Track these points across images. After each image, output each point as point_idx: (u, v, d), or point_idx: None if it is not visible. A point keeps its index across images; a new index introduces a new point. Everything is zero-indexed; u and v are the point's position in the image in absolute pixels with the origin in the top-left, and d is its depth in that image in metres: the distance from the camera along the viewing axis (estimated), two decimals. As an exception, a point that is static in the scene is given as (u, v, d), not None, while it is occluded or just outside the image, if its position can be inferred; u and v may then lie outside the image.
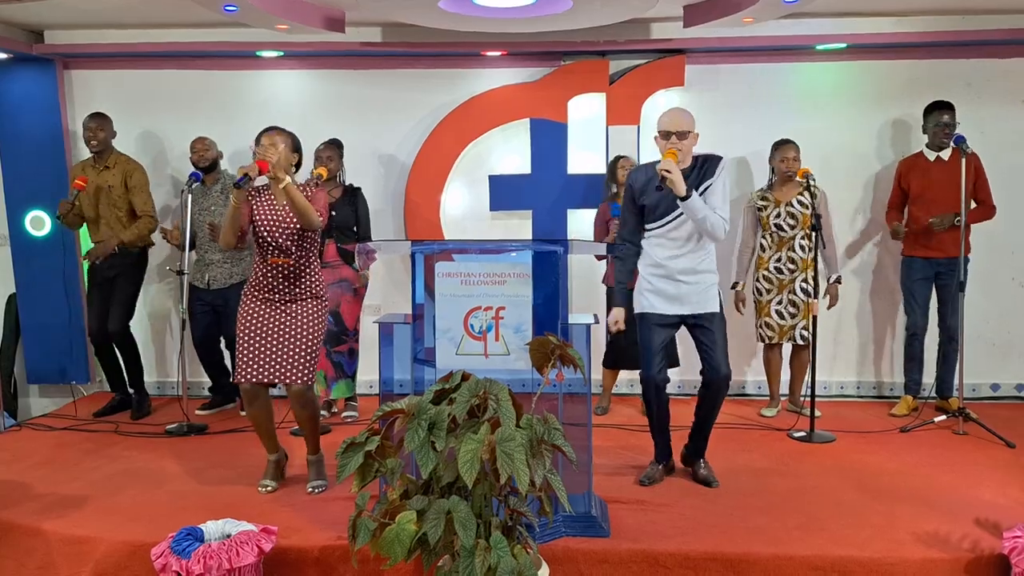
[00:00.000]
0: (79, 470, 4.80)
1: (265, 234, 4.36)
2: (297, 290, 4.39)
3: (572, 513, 3.56)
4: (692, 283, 4.40)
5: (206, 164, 5.83)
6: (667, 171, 4.15)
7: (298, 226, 4.32)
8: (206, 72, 6.50)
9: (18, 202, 6.47)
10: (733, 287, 5.82)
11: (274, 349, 4.34)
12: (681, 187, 4.18)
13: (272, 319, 4.37)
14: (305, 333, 4.35)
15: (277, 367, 4.32)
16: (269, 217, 4.36)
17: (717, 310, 4.42)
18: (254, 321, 4.38)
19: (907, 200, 5.88)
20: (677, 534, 3.78)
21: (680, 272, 4.39)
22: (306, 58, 6.44)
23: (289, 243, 4.34)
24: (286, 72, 6.54)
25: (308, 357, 4.35)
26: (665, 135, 4.33)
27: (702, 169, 4.36)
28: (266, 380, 4.34)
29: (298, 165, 4.51)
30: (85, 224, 6.01)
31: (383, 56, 6.40)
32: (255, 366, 4.34)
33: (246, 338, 4.36)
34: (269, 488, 4.47)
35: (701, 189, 4.29)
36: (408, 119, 6.49)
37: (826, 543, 3.69)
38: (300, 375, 4.32)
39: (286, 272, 4.35)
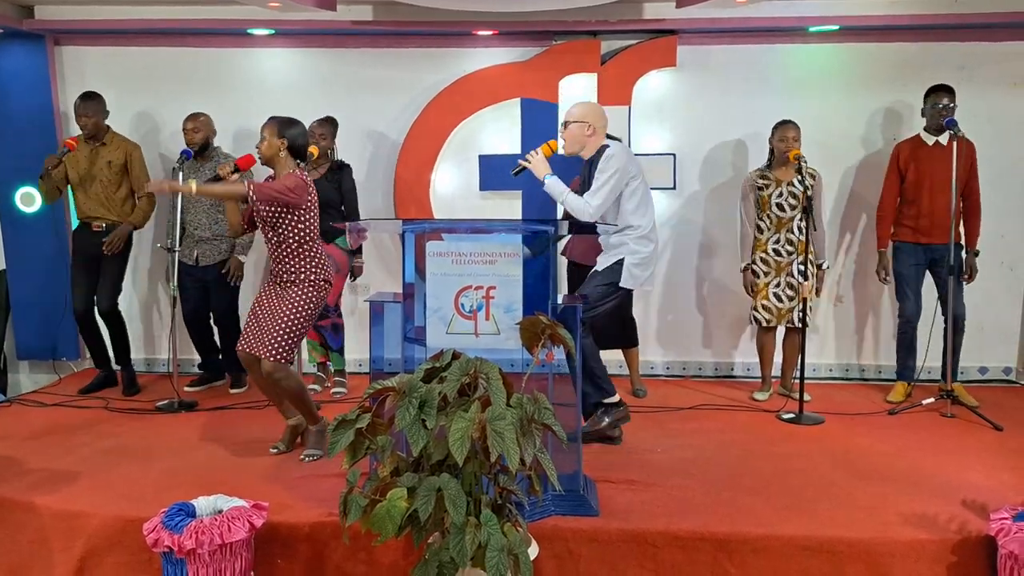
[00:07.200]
0: (70, 446, 4.81)
1: (255, 219, 4.56)
2: (284, 273, 4.52)
3: (561, 492, 3.56)
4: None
5: (195, 148, 5.75)
6: (525, 161, 4.81)
7: (266, 212, 4.41)
8: (197, 50, 6.46)
9: (8, 178, 6.43)
10: (744, 270, 5.79)
11: (258, 323, 4.51)
12: (539, 172, 4.77)
13: (264, 296, 4.58)
14: (282, 312, 4.44)
15: (255, 339, 4.49)
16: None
17: (598, 268, 4.82)
18: (258, 297, 4.61)
19: (903, 184, 5.74)
20: (666, 514, 3.81)
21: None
22: (297, 36, 6.40)
23: (265, 227, 4.51)
24: (277, 50, 6.49)
25: (280, 335, 4.40)
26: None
27: (599, 156, 4.75)
28: (246, 349, 4.52)
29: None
30: (71, 199, 6.03)
31: (374, 35, 6.36)
32: (244, 336, 4.56)
33: (250, 311, 4.61)
34: (275, 450, 4.69)
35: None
36: (398, 98, 6.46)
37: (814, 524, 3.72)
38: (269, 350, 4.40)
39: (273, 255, 4.54)
